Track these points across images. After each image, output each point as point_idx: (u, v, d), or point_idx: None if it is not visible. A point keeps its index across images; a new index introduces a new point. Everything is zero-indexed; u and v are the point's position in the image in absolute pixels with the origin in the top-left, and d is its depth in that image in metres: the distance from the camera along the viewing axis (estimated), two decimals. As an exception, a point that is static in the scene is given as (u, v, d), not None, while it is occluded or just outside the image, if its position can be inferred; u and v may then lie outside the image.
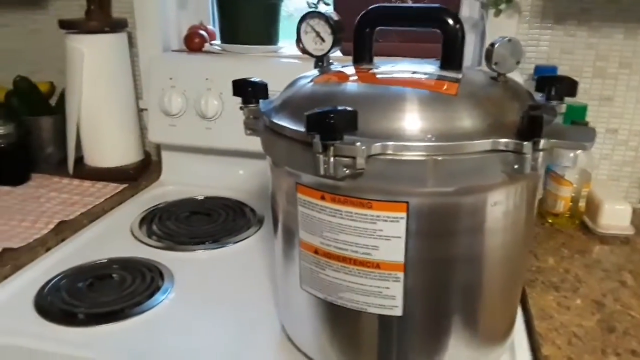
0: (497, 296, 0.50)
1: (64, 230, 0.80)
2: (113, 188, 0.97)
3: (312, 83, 0.50)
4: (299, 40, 0.56)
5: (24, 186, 0.97)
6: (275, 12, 1.00)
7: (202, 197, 0.96)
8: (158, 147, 1.10)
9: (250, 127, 0.53)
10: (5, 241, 0.74)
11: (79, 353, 0.57)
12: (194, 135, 0.98)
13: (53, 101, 1.12)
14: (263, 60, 0.97)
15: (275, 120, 0.47)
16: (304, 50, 0.55)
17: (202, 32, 1.03)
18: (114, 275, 0.70)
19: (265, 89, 0.53)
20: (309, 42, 0.55)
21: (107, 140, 1.00)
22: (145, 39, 1.05)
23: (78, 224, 0.83)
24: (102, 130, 0.99)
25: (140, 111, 1.08)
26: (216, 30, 1.08)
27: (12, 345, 0.58)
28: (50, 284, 0.68)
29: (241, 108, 0.53)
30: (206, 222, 0.88)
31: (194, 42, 1.01)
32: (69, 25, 0.95)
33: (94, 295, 0.65)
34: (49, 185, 0.97)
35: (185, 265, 0.73)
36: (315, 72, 0.54)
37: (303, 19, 0.54)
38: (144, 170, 1.05)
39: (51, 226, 0.80)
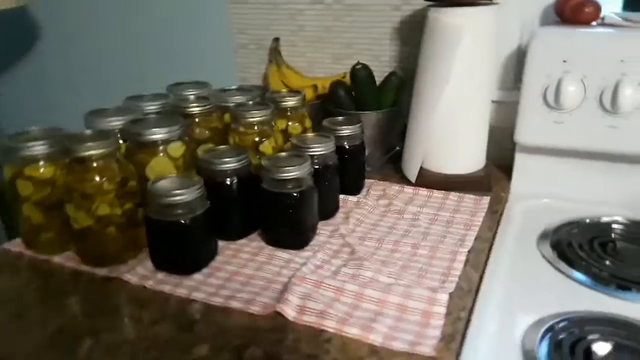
0: None
1: (475, 264, 0.62)
2: (473, 201, 0.78)
3: None
4: None
5: (361, 195, 0.81)
6: None
7: (610, 220, 0.72)
8: (493, 150, 0.89)
9: None
10: (429, 280, 0.58)
11: None
12: (589, 135, 0.74)
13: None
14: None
15: None
16: None
17: (590, -2, 0.78)
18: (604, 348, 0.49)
19: None
20: None
21: (460, 142, 0.81)
22: (511, 10, 0.82)
23: (480, 254, 0.64)
24: (458, 129, 0.79)
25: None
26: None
27: None
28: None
29: None
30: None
31: (583, 12, 0.76)
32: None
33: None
34: (396, 196, 0.80)
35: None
36: None
37: None
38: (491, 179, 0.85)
39: (462, 258, 0.62)
